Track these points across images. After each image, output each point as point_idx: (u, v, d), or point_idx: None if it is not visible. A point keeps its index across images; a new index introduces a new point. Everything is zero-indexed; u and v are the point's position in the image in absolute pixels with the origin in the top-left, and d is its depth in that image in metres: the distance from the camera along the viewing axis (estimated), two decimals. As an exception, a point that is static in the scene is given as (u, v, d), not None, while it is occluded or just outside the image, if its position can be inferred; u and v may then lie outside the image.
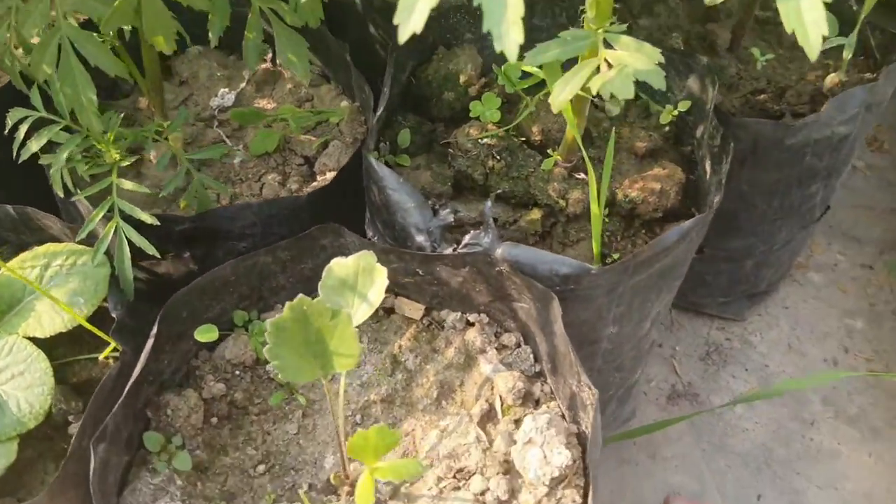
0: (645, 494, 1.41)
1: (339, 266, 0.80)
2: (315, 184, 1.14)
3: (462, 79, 1.14)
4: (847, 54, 1.17)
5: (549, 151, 1.06)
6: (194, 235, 1.06)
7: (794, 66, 1.30)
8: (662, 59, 0.75)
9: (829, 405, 1.53)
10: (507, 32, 0.53)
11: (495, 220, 1.04)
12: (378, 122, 1.06)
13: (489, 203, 1.01)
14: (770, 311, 1.66)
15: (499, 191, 1.06)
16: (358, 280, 0.80)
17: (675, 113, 1.12)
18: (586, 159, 0.88)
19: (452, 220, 1.00)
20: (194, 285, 0.93)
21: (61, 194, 1.03)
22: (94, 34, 0.93)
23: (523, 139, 1.10)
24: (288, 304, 0.73)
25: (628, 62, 0.73)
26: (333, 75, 1.29)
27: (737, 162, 1.15)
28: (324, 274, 0.79)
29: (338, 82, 1.29)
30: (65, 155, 1.00)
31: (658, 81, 0.73)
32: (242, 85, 1.27)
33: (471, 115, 1.12)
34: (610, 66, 0.75)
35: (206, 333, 0.93)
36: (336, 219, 0.98)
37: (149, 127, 1.11)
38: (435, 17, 1.20)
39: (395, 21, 0.52)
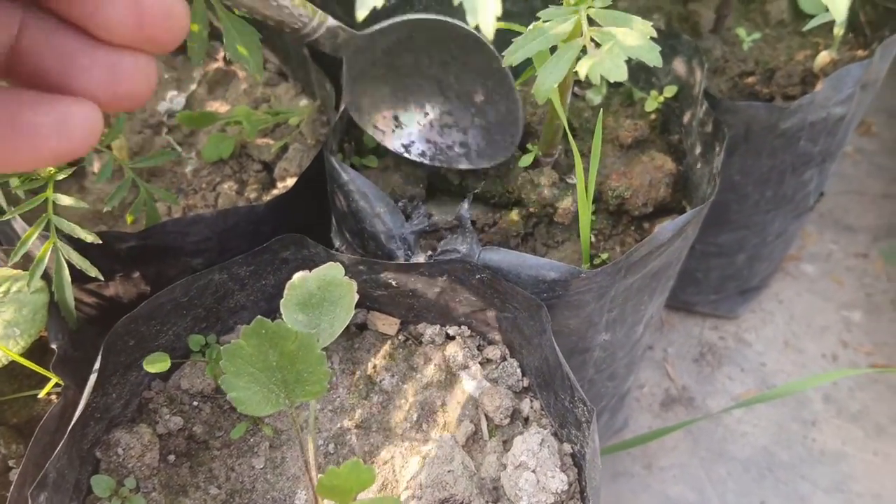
0: (643, 508, 1.33)
1: (302, 281, 0.71)
2: (275, 191, 1.05)
3: (430, 71, 1.05)
4: (839, 31, 1.11)
5: (528, 146, 0.98)
6: (143, 253, 0.96)
7: (783, 46, 1.23)
8: (654, 34, 0.67)
9: (831, 403, 1.46)
10: (483, 4, 0.45)
11: (473, 222, 0.95)
12: (341, 120, 0.97)
13: (465, 204, 0.91)
14: (764, 306, 1.58)
15: (476, 190, 0.97)
16: (324, 296, 0.71)
17: (661, 99, 1.05)
18: (574, 149, 0.79)
19: (427, 224, 0.91)
20: (139, 310, 0.84)
21: (-7, 213, 0.92)
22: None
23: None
24: (243, 327, 0.65)
25: (617, 39, 0.65)
26: (291, 73, 1.19)
27: (728, 149, 1.09)
28: (285, 291, 0.71)
29: (296, 80, 1.19)
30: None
31: (653, 58, 0.65)
32: (193, 87, 1.17)
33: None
34: (597, 45, 0.67)
35: (155, 363, 0.83)
36: (300, 229, 0.89)
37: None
38: (399, 4, 1.12)
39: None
